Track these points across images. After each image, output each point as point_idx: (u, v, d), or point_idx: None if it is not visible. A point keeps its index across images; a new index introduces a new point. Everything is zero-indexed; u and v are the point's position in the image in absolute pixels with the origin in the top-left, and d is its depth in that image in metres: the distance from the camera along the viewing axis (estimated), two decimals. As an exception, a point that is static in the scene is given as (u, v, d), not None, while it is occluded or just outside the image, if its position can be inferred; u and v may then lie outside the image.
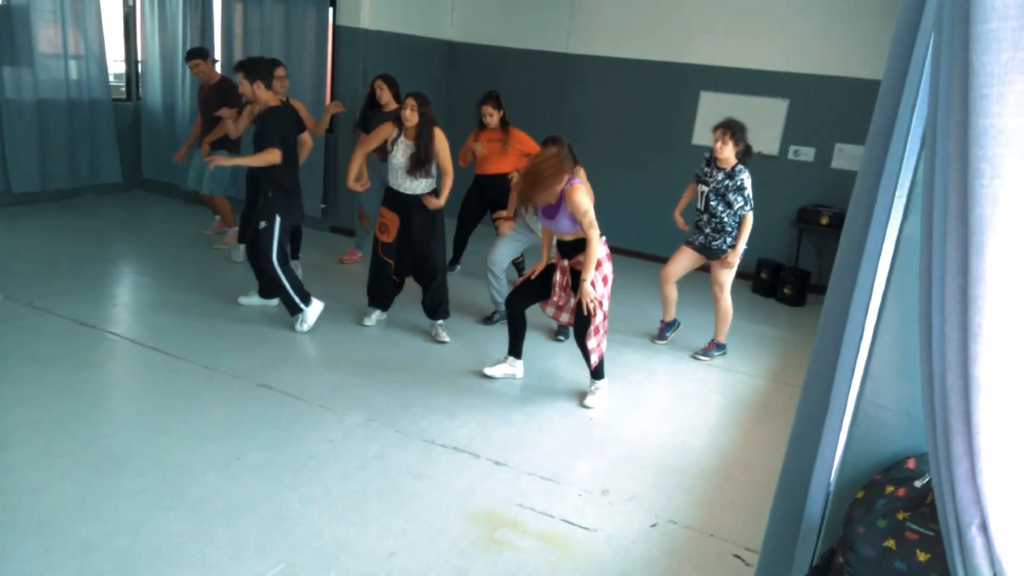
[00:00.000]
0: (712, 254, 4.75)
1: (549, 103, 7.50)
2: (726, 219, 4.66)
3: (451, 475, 3.31)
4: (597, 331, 3.96)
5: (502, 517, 3.04)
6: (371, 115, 5.61)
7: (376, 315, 4.96)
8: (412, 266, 4.69)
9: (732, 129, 4.54)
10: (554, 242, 4.15)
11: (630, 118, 7.25)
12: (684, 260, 4.89)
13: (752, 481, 3.52)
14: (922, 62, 1.54)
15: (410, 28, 7.20)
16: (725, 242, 4.69)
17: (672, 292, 5.02)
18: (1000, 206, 0.96)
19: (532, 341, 4.89)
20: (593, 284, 3.83)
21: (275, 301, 5.02)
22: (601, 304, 3.91)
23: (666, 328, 5.15)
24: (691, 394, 4.47)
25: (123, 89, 8.00)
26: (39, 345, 4.19)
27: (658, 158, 7.04)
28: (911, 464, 1.58)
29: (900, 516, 1.44)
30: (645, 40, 7.05)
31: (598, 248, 3.82)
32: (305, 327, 4.72)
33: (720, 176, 4.60)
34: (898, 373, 1.63)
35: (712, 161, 4.67)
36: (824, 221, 6.37)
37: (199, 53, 6.02)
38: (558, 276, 4.05)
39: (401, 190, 4.53)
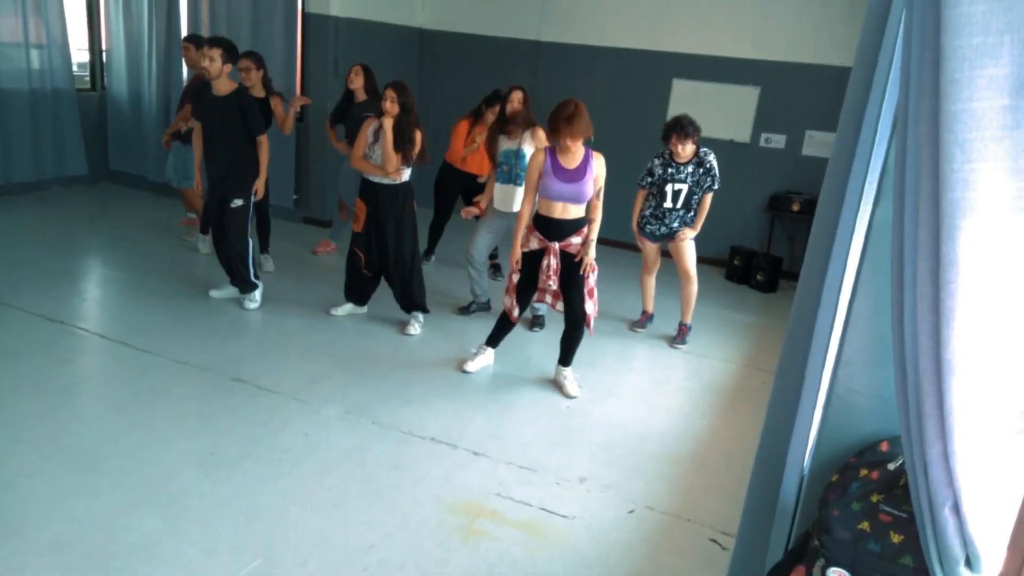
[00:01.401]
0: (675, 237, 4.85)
1: (522, 91, 7.46)
2: (695, 207, 4.77)
3: (429, 466, 3.31)
4: (592, 293, 4.00)
5: (481, 507, 3.04)
6: (345, 108, 5.55)
7: (348, 307, 4.93)
8: (379, 256, 4.65)
9: (686, 131, 4.55)
10: (527, 226, 3.99)
11: (602, 106, 7.22)
12: (654, 250, 4.99)
13: (728, 466, 3.56)
14: (892, 47, 1.54)
15: (381, 15, 7.12)
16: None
17: (652, 282, 5.15)
18: (972, 190, 0.97)
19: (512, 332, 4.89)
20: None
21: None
22: (594, 269, 3.96)
23: (648, 319, 5.22)
24: (666, 381, 4.50)
25: (87, 79, 7.82)
26: (5, 342, 4.09)
27: (630, 146, 7.04)
28: (884, 447, 1.60)
29: (874, 498, 1.46)
30: (617, 28, 7.05)
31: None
32: (255, 305, 4.86)
33: (692, 168, 4.66)
34: (871, 357, 1.65)
35: (672, 162, 4.68)
36: (796, 208, 6.44)
37: (192, 39, 5.84)
38: (552, 261, 3.90)
39: (374, 179, 4.50)
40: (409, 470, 3.26)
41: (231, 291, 4.98)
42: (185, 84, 6.21)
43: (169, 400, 3.66)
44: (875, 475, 1.49)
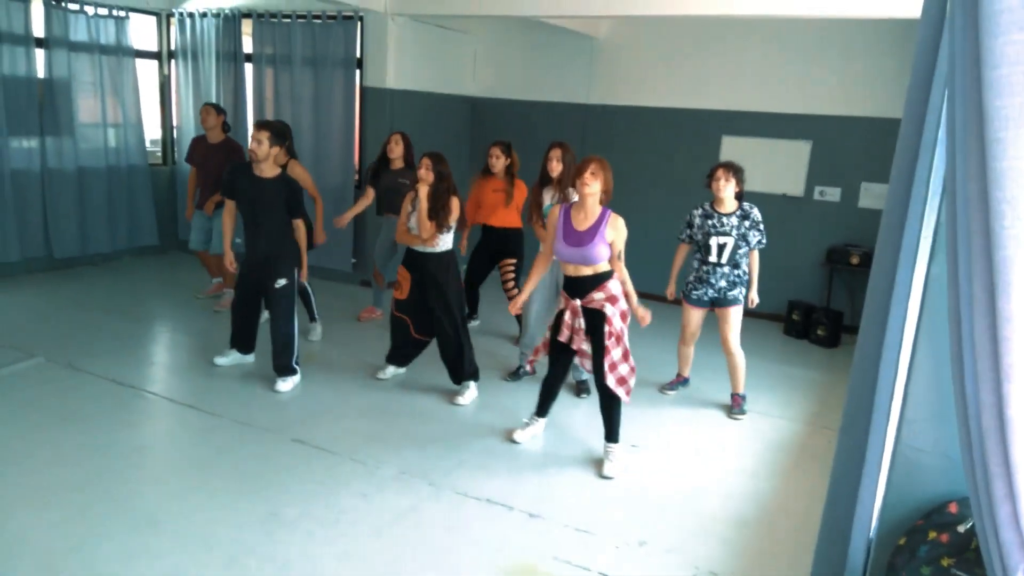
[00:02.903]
0: (726, 302, 4.62)
1: (572, 153, 7.59)
2: (743, 266, 4.59)
3: (485, 528, 3.29)
4: (615, 367, 3.78)
5: (538, 571, 3.00)
6: (378, 172, 5.65)
7: (391, 370, 4.95)
8: (428, 324, 4.66)
9: (734, 168, 4.52)
10: (559, 279, 3.98)
11: (652, 164, 7.31)
12: (697, 319, 4.77)
13: (793, 529, 3.44)
14: (940, 104, 1.55)
15: (433, 87, 7.39)
16: (742, 291, 4.62)
17: (691, 351, 4.98)
18: (1023, 247, 0.97)
19: (560, 395, 4.85)
20: (611, 321, 3.76)
21: (252, 357, 5.06)
22: (620, 339, 3.79)
23: (680, 382, 5.06)
24: (727, 440, 4.40)
25: (159, 154, 8.27)
26: (78, 405, 4.27)
27: (681, 203, 7.04)
28: (953, 508, 1.55)
29: (945, 563, 1.41)
30: (665, 88, 7.15)
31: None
32: (287, 388, 4.70)
33: (736, 221, 4.52)
34: (934, 414, 1.61)
35: (714, 212, 4.56)
36: (854, 261, 6.32)
37: (213, 106, 6.09)
38: (568, 316, 3.81)
39: (416, 248, 4.56)
40: (465, 532, 3.24)
41: (236, 357, 5.02)
42: (191, 145, 6.28)
43: (232, 461, 3.74)
44: (945, 538, 1.43)
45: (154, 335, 5.80)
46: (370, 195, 5.76)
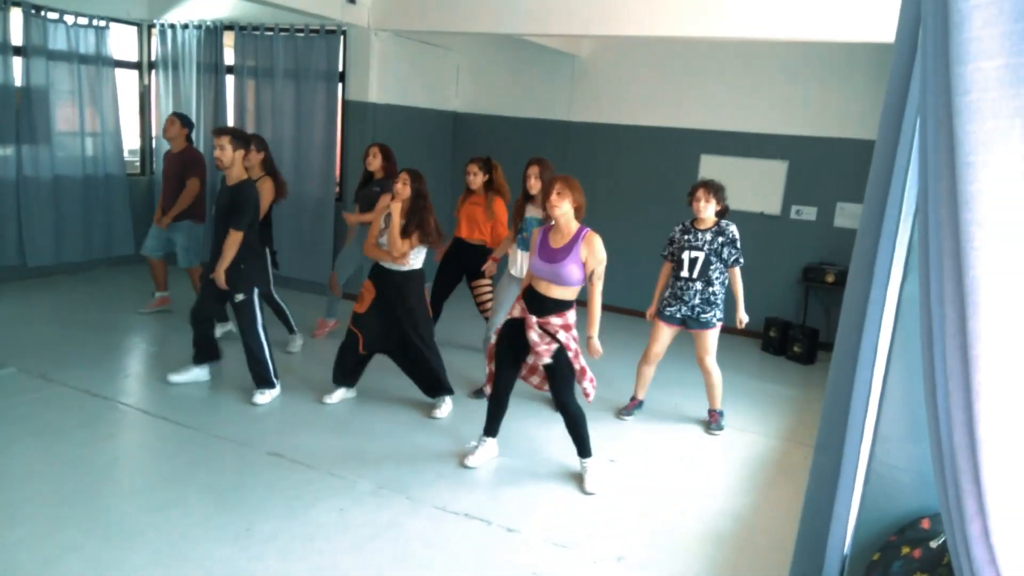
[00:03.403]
0: (699, 324, 4.57)
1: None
2: (717, 285, 4.53)
3: (463, 543, 3.27)
4: (584, 374, 3.79)
5: (515, 586, 2.99)
6: (365, 186, 5.61)
7: (341, 392, 4.77)
8: (390, 344, 4.56)
9: (714, 188, 4.50)
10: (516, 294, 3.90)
11: (631, 181, 7.38)
12: (666, 339, 4.72)
13: (771, 545, 3.46)
14: (913, 127, 1.59)
15: (416, 101, 7.41)
16: (715, 315, 4.56)
17: (651, 372, 4.89)
18: (992, 268, 0.99)
19: (535, 409, 4.87)
20: (568, 345, 3.74)
21: (208, 369, 4.97)
22: (578, 355, 3.77)
23: (636, 406, 4.95)
24: (705, 456, 4.43)
25: (137, 164, 8.19)
26: (51, 417, 4.20)
27: (660, 220, 7.10)
28: (926, 524, 1.57)
29: (918, 578, 1.43)
30: (645, 107, 7.23)
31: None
32: (265, 401, 4.64)
33: (710, 236, 4.50)
34: (908, 432, 1.63)
35: (691, 228, 4.57)
36: (830, 279, 6.41)
37: (179, 116, 6.01)
38: (534, 336, 3.71)
39: (383, 264, 4.46)
40: (442, 548, 3.23)
41: (195, 374, 4.91)
42: (165, 160, 6.17)
43: (207, 475, 3.70)
44: (917, 553, 1.46)
45: (129, 346, 5.73)
46: (355, 213, 5.75)
